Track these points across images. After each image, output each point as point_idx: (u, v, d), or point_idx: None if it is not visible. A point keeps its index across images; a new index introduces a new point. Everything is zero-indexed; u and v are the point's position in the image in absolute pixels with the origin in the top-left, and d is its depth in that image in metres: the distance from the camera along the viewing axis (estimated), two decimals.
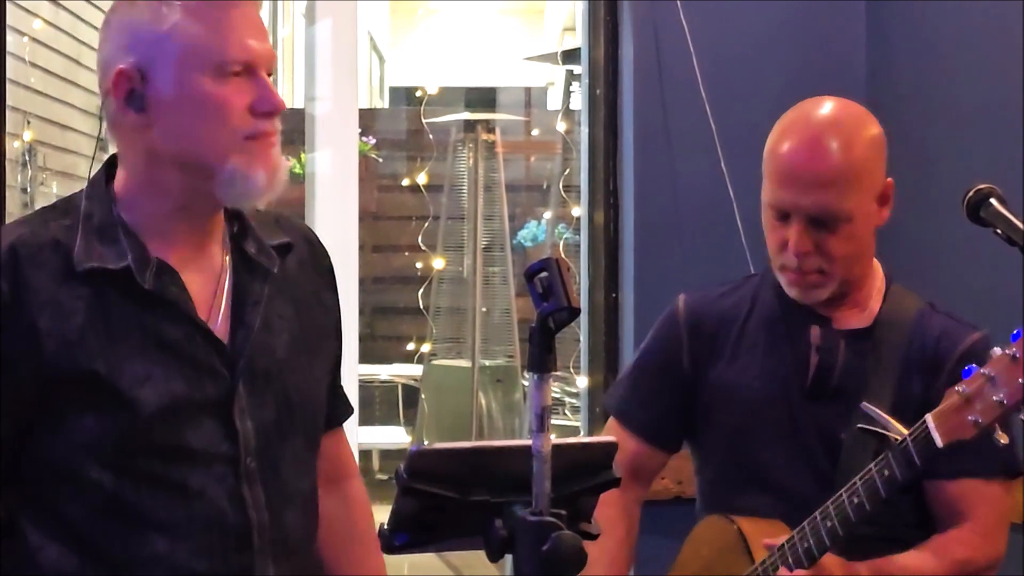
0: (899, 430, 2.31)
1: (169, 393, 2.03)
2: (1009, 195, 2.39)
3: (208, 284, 2.12)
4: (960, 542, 2.55)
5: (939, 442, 2.26)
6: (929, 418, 2.27)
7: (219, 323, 2.12)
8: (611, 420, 2.84)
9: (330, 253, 2.35)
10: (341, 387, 2.37)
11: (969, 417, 2.23)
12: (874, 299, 2.66)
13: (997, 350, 2.22)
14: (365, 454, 8.79)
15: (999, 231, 2.33)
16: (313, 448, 2.24)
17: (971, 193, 2.38)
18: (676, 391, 2.75)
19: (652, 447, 2.80)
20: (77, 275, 2.03)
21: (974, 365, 2.25)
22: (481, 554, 1.79)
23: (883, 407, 2.51)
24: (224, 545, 2.07)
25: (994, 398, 2.20)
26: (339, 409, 2.38)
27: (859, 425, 2.41)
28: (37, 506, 2.05)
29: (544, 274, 1.69)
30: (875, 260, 2.68)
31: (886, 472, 2.32)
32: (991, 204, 2.35)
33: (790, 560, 2.43)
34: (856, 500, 2.37)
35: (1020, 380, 2.18)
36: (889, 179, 2.60)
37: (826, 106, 2.59)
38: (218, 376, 2.09)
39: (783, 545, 2.46)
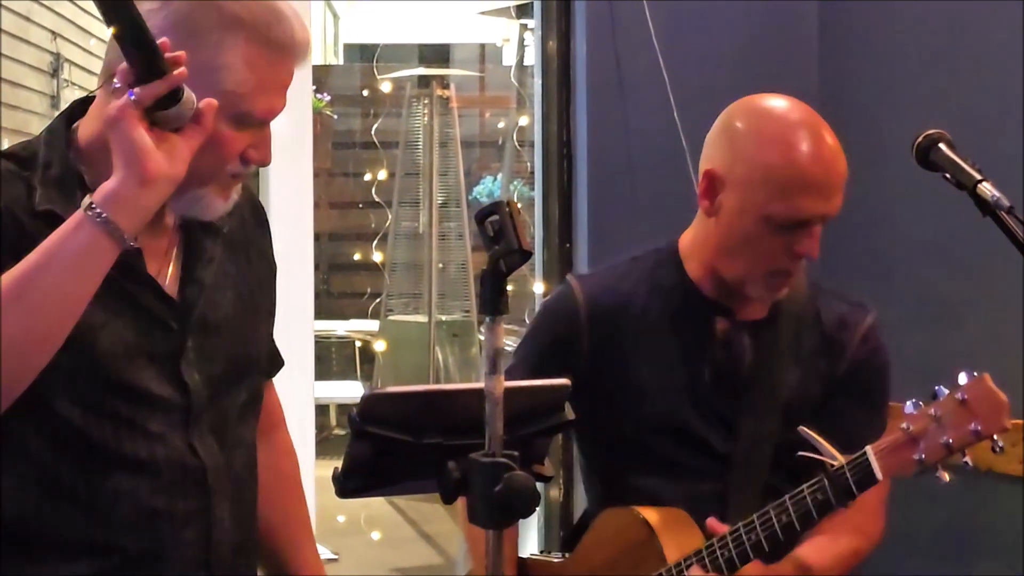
0: (835, 456, 2.33)
1: (122, 341, 2.06)
2: (960, 146, 2.40)
3: (160, 240, 2.14)
4: (854, 532, 2.55)
5: (879, 475, 2.29)
6: (870, 451, 2.29)
7: (168, 279, 2.14)
8: None
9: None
10: (274, 341, 2.40)
11: (914, 456, 2.26)
12: None
13: (943, 390, 2.26)
14: (322, 409, 8.82)
15: (948, 175, 2.34)
16: (256, 399, 2.29)
17: (920, 138, 2.38)
18: (573, 378, 2.67)
19: None
20: (39, 214, 2.04)
21: (918, 400, 2.28)
22: (439, 507, 1.79)
23: (784, 395, 2.56)
24: (183, 485, 2.11)
25: (940, 440, 2.24)
26: (272, 362, 2.41)
27: (799, 453, 2.37)
28: (1, 438, 2.06)
29: (495, 217, 1.70)
30: None
31: (819, 496, 2.34)
32: (940, 149, 2.35)
33: (708, 567, 2.44)
34: (785, 519, 2.38)
35: (970, 427, 2.23)
36: None
37: (800, 107, 2.54)
38: (168, 330, 2.11)
39: (701, 551, 2.46)
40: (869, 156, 3.04)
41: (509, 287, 1.72)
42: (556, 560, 2.77)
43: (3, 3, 7.39)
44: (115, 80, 1.93)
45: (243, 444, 2.23)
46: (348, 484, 1.79)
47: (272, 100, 2.06)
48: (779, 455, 2.54)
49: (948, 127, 2.41)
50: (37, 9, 8.07)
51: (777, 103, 2.55)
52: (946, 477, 2.28)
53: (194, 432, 2.13)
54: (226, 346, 2.18)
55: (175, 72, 1.91)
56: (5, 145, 7.04)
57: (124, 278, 2.06)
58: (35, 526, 2.07)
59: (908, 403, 2.29)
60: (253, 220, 2.32)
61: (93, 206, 1.89)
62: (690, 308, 2.63)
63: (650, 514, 2.55)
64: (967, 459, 2.26)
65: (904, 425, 2.26)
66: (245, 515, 2.22)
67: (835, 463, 2.32)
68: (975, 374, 2.26)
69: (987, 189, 2.27)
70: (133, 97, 1.89)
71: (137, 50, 1.89)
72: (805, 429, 2.36)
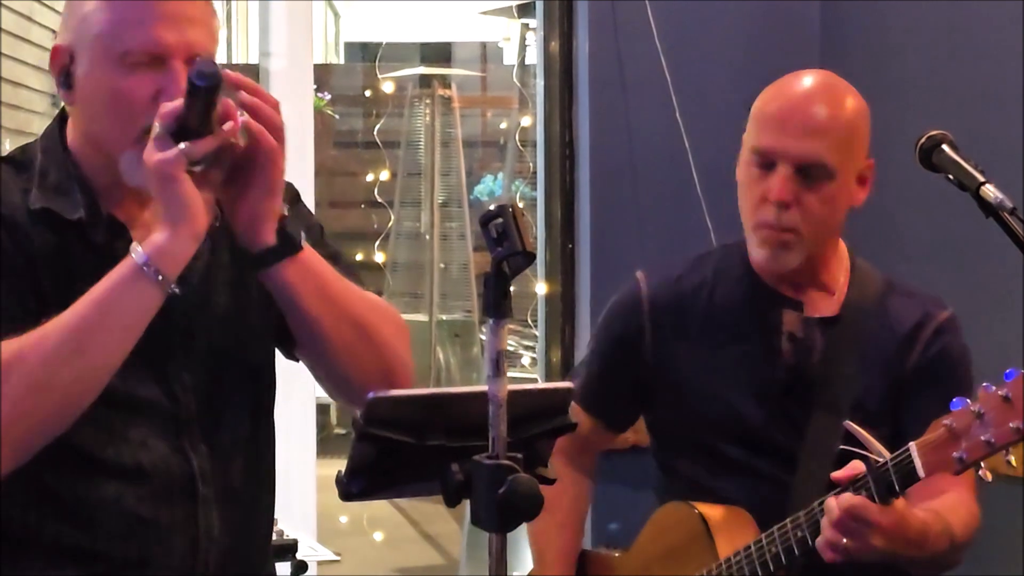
0: (881, 452, 2.28)
1: None
2: (962, 148, 2.40)
3: None
4: (961, 507, 2.50)
5: (921, 473, 2.23)
6: (913, 447, 2.24)
7: None
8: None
9: None
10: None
11: (954, 454, 2.20)
12: (842, 280, 2.62)
13: (990, 387, 2.20)
14: (323, 408, 8.80)
15: (951, 177, 2.34)
16: (261, 393, 2.24)
17: (923, 139, 2.38)
18: (635, 377, 2.70)
19: (607, 429, 2.80)
20: (34, 212, 2.06)
21: (964, 399, 2.22)
22: (440, 508, 1.79)
23: (854, 395, 2.53)
24: (169, 493, 2.09)
25: (982, 437, 2.18)
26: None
27: (841, 446, 2.37)
28: None
29: (499, 220, 1.70)
30: (842, 240, 2.65)
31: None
32: (943, 150, 2.35)
33: (756, 563, 2.44)
34: None
35: (1011, 424, 2.16)
36: (871, 160, 2.58)
37: (820, 72, 2.60)
38: (155, 334, 2.08)
39: (750, 546, 2.46)
40: (870, 156, 3.03)
41: (511, 288, 1.73)
42: (616, 554, 2.78)
43: (4, 2, 7.39)
44: (156, 125, 1.95)
45: (242, 448, 2.19)
46: (352, 486, 1.79)
47: (149, 32, 2.03)
48: (846, 455, 2.49)
49: (950, 127, 2.41)
50: (38, 8, 8.06)
51: (806, 71, 2.61)
52: (988, 476, 2.23)
53: (184, 438, 2.11)
54: (219, 345, 2.16)
55: (225, 128, 1.95)
56: (6, 144, 7.07)
57: None
58: (23, 530, 2.07)
59: (955, 400, 2.23)
60: None
61: (149, 263, 1.93)
62: (755, 300, 2.61)
63: (707, 510, 2.56)
64: (1011, 458, 2.20)
65: (947, 422, 2.21)
66: (240, 522, 2.18)
67: (880, 460, 2.28)
68: (1020, 371, 2.19)
69: (990, 191, 2.27)
70: (186, 151, 1.93)
71: (203, 108, 1.93)
72: (851, 424, 2.33)
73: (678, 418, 2.67)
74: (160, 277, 1.94)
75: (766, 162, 2.51)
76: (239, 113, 2.00)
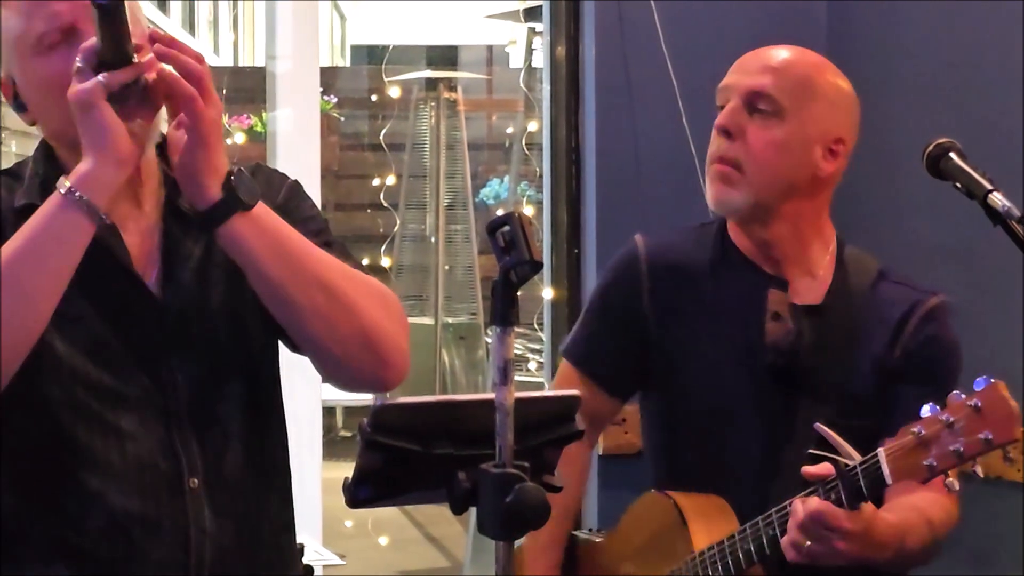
0: (851, 455, 2.27)
1: (98, 338, 2.07)
2: (968, 150, 2.40)
3: (145, 241, 2.14)
4: (937, 505, 2.49)
5: (888, 479, 2.23)
6: (881, 453, 2.23)
7: (154, 279, 2.14)
8: (563, 363, 2.78)
9: None
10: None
11: (924, 462, 2.19)
12: (827, 264, 2.61)
13: (959, 395, 2.19)
14: (329, 411, 8.81)
15: (959, 185, 2.34)
16: (260, 388, 2.24)
17: (931, 147, 2.38)
18: (634, 335, 2.67)
19: (604, 392, 2.74)
20: (18, 210, 2.10)
21: (934, 405, 2.21)
22: (445, 510, 1.79)
23: (841, 382, 2.53)
24: (157, 488, 2.09)
25: (951, 447, 2.17)
26: None
27: (810, 450, 2.35)
28: None
29: (506, 228, 1.70)
30: (830, 225, 2.65)
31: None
32: (951, 158, 2.35)
33: (729, 560, 2.43)
34: None
35: (980, 435, 2.15)
36: (845, 137, 2.57)
37: (811, 51, 2.62)
38: (147, 331, 2.11)
39: (723, 541, 2.45)
40: (876, 159, 3.04)
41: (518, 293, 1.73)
42: (597, 540, 2.77)
43: (4, 1, 7.38)
44: (78, 60, 1.97)
45: (237, 443, 2.18)
46: (359, 494, 1.79)
47: (47, 10, 2.08)
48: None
49: (956, 129, 2.41)
50: None
51: None
52: (956, 486, 2.24)
53: (175, 431, 2.11)
54: (214, 342, 2.16)
55: (144, 59, 1.97)
56: (14, 147, 7.07)
57: (106, 274, 2.08)
58: (19, 529, 2.09)
59: (926, 406, 2.22)
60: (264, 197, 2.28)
61: (73, 190, 1.96)
62: (739, 275, 2.61)
63: (683, 500, 2.56)
64: (977, 468, 2.19)
65: (916, 429, 2.20)
66: (240, 519, 2.17)
67: (848, 463, 2.27)
68: (990, 380, 2.18)
69: (998, 199, 2.27)
70: (104, 81, 1.94)
71: (114, 35, 1.94)
72: (821, 426, 2.32)
73: (669, 398, 2.67)
74: (87, 207, 1.96)
75: (724, 101, 2.56)
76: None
